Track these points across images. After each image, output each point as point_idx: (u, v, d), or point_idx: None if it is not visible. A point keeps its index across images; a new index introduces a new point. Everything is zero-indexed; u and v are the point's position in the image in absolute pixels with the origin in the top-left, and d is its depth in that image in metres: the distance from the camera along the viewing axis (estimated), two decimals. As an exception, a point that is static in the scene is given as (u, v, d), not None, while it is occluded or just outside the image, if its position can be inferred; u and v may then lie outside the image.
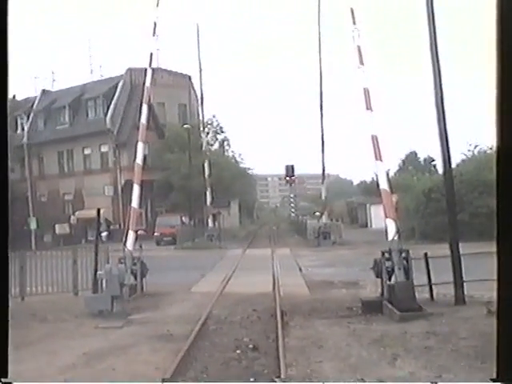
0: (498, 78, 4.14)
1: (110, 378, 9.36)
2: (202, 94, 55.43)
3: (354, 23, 17.95)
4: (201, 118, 56.76)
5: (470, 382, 7.53)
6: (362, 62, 17.26)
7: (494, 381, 4.28)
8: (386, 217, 15.59)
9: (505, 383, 4.08)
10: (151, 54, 23.64)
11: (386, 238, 15.45)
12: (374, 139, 16.06)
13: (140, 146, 20.61)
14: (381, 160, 16.03)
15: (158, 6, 22.91)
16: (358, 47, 17.52)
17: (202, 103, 56.18)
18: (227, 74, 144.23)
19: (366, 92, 16.67)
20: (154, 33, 22.90)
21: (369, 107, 16.51)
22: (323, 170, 49.50)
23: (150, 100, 22.75)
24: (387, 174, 16.00)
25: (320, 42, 45.15)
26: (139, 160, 20.14)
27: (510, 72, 4.12)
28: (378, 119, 16.75)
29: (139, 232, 19.65)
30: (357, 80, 17.22)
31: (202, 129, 54.44)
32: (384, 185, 15.98)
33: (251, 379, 9.09)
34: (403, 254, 14.66)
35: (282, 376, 8.79)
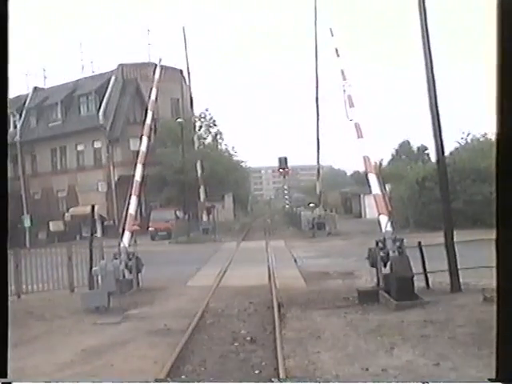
0: (499, 67, 4.13)
1: (108, 374, 9.37)
2: (191, 97, 55.84)
3: (345, 79, 20.25)
4: (193, 113, 56.95)
5: (470, 382, 7.55)
6: (352, 105, 19.31)
7: (493, 381, 4.28)
8: (379, 213, 16.22)
9: (504, 383, 4.08)
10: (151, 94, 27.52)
11: (381, 228, 15.60)
12: (366, 159, 17.77)
13: (139, 167, 21.85)
14: (372, 173, 17.36)
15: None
16: (349, 96, 19.63)
17: (191, 106, 56.57)
18: (219, 66, 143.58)
19: (357, 126, 18.47)
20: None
21: (360, 136, 18.27)
22: (318, 169, 49.92)
23: (150, 135, 26.23)
24: (379, 180, 16.97)
25: (316, 32, 44.97)
26: (138, 177, 21.42)
27: (510, 61, 4.11)
28: (368, 145, 18.59)
29: (133, 227, 19.93)
30: (349, 118, 19.17)
31: (193, 127, 54.76)
32: (376, 190, 17.00)
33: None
34: (397, 243, 14.76)
35: (280, 367, 8.81)
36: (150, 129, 25.85)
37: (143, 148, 22.98)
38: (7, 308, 4.21)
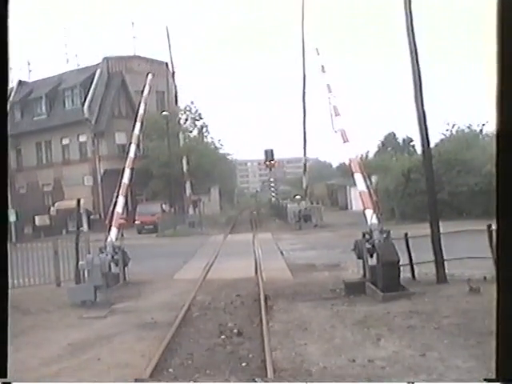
0: (499, 57, 4.12)
1: (95, 368, 9.35)
2: (176, 96, 55.98)
3: (330, 91, 20.54)
4: (178, 106, 56.96)
5: (470, 383, 7.60)
6: (338, 114, 19.39)
7: (493, 381, 4.28)
8: (365, 208, 16.28)
9: (504, 383, 4.07)
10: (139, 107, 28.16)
11: (366, 220, 15.66)
12: (352, 161, 17.98)
13: (127, 171, 21.90)
14: (358, 172, 17.34)
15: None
16: (335, 107, 19.73)
17: (176, 102, 56.85)
18: (206, 60, 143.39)
19: (343, 132, 18.59)
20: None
21: (346, 140, 18.39)
22: (304, 161, 49.98)
23: (139, 140, 27.03)
24: (364, 179, 17.26)
25: (303, 26, 44.83)
26: (126, 180, 21.46)
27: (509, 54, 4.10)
28: (354, 147, 19.01)
29: (120, 221, 19.93)
30: (334, 129, 19.25)
31: (178, 121, 54.92)
32: (362, 187, 16.99)
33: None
34: (384, 235, 14.80)
35: (267, 360, 8.82)
36: (139, 139, 26.34)
37: (131, 154, 23.12)
38: (7, 308, 4.16)
